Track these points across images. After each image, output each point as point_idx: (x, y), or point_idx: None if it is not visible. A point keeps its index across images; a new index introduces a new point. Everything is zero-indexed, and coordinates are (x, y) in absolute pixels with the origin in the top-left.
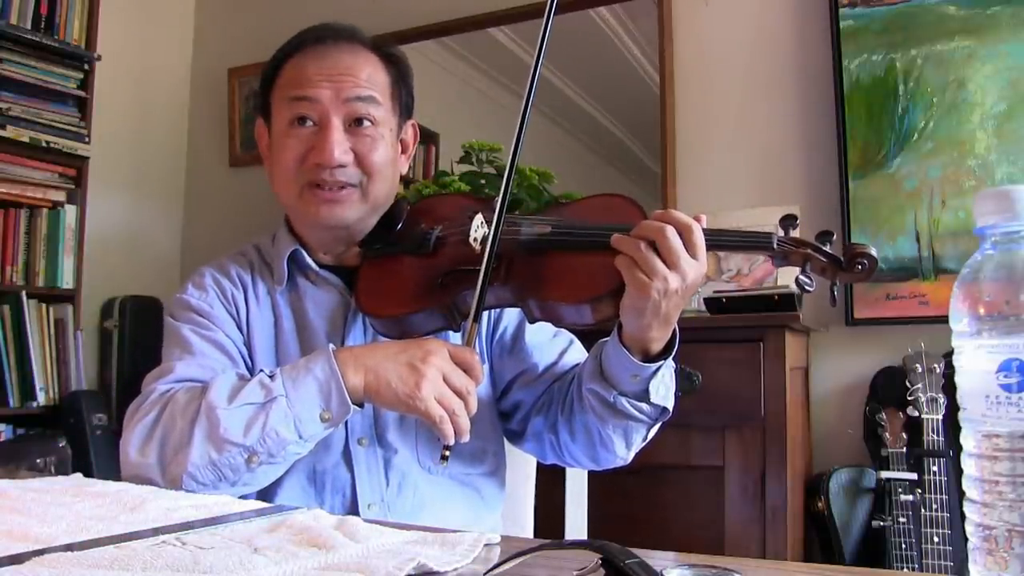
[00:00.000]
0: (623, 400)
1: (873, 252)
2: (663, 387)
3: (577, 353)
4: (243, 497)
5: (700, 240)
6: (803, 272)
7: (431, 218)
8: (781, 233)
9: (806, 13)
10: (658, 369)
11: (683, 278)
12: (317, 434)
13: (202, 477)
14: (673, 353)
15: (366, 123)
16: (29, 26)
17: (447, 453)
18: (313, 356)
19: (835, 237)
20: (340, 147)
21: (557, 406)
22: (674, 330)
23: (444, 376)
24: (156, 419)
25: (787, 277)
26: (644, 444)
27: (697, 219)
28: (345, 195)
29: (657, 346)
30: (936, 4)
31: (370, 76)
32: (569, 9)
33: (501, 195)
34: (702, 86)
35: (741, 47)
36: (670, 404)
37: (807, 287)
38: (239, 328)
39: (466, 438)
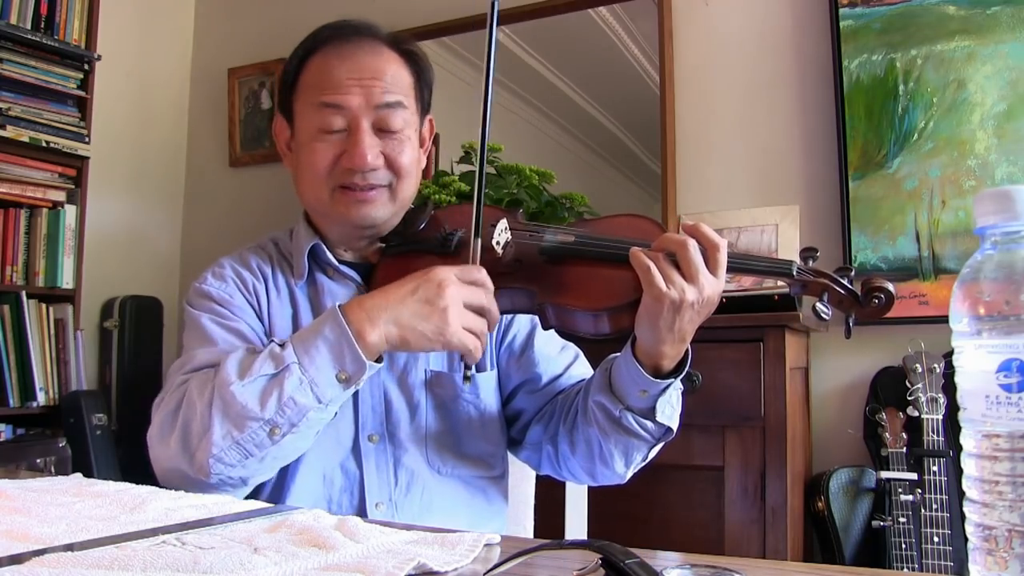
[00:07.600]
0: (629, 416)
1: (890, 287)
2: (669, 407)
3: (582, 368)
4: (252, 497)
5: (724, 259)
6: (820, 301)
7: (454, 221)
8: (801, 262)
9: (806, 13)
10: (667, 387)
11: (700, 292)
12: (337, 396)
13: (228, 458)
14: (683, 373)
15: (395, 128)
16: (29, 26)
17: (470, 374)
18: (322, 318)
19: (853, 272)
20: (372, 152)
21: (559, 418)
22: (687, 351)
23: (463, 302)
24: (176, 408)
25: None
26: (644, 464)
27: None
28: (375, 195)
29: (669, 363)
30: (936, 4)
31: (395, 77)
32: (569, 9)
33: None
34: (702, 86)
35: (741, 47)
36: (675, 425)
37: (824, 315)
38: (259, 318)
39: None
